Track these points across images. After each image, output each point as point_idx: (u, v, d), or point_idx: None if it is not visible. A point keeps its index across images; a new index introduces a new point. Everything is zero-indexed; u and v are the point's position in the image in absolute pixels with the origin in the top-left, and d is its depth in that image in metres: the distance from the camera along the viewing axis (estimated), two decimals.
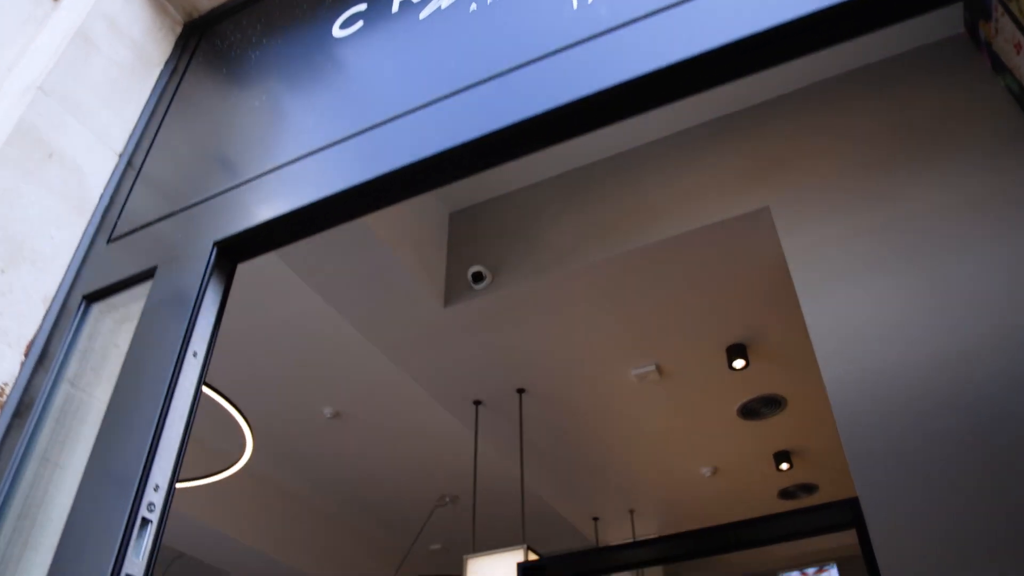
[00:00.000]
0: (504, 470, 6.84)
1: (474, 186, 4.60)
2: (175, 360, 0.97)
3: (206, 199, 1.17)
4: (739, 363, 4.77)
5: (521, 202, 4.56)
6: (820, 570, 2.84)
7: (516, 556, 4.27)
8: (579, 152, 4.40)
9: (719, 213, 3.87)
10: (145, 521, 0.86)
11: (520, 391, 5.12)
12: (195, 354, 1.00)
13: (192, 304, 1.02)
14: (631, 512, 6.97)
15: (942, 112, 3.63)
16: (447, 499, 7.61)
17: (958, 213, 3.29)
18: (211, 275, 1.06)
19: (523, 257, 4.29)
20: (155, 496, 0.88)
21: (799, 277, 3.47)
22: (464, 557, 4.46)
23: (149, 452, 0.88)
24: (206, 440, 6.65)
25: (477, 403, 5.23)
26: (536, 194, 4.54)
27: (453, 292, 4.40)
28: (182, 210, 1.19)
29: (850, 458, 2.90)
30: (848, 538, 7.36)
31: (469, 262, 4.42)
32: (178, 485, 5.36)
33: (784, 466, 6.21)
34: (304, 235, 1.10)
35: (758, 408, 5.50)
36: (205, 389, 4.37)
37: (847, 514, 3.04)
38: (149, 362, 0.98)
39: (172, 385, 0.95)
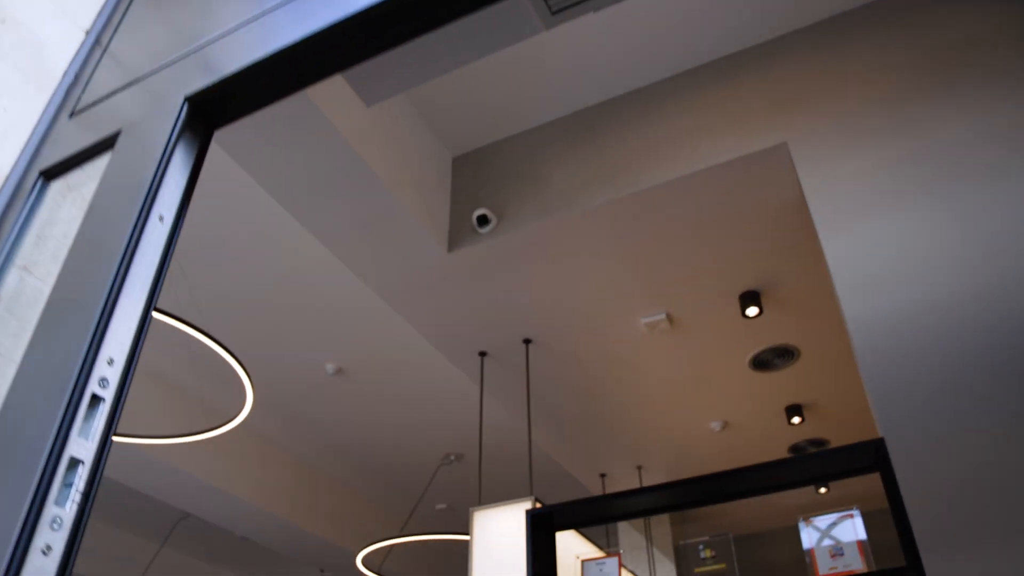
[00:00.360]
0: (510, 426, 6.74)
1: (478, 129, 4.44)
2: (135, 221, 0.83)
3: (178, 58, 1.03)
4: (752, 311, 4.64)
5: (527, 145, 4.40)
6: (845, 515, 2.73)
7: (523, 508, 4.17)
8: (587, 92, 4.23)
9: (734, 151, 3.72)
10: (96, 398, 0.72)
11: (527, 341, 5.00)
12: (161, 218, 0.86)
13: (158, 163, 0.88)
14: (639, 468, 6.89)
15: (967, 40, 3.45)
16: (452, 457, 7.54)
17: (986, 144, 3.14)
18: (181, 133, 0.92)
19: (529, 200, 4.14)
20: (109, 371, 0.74)
21: (819, 214, 3.32)
22: (470, 510, 4.37)
23: (100, 320, 0.75)
24: (206, 397, 6.57)
25: (482, 354, 5.10)
26: (542, 136, 4.38)
27: (457, 237, 4.25)
28: (152, 73, 1.05)
29: (873, 399, 2.77)
30: (858, 491, 7.25)
31: (473, 206, 4.27)
32: (180, 440, 5.26)
33: (795, 420, 6.10)
34: (288, 89, 0.95)
35: (770, 359, 5.37)
36: (202, 338, 4.24)
37: (869, 456, 2.91)
38: (106, 224, 0.84)
39: (132, 248, 0.81)
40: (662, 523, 7.82)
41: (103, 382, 0.74)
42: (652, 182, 3.82)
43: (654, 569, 7.35)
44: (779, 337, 5.14)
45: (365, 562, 7.30)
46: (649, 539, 7.51)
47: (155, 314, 3.97)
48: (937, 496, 2.52)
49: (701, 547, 2.92)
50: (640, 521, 7.71)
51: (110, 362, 0.75)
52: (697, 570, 2.96)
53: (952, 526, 2.47)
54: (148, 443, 5.74)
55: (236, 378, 6.23)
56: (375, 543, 6.53)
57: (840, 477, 3.08)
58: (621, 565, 3.31)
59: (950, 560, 2.42)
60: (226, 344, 4.51)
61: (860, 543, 2.81)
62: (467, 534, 5.89)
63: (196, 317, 5.49)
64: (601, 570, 3.22)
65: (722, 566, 2.96)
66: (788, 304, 4.78)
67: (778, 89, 3.81)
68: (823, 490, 7.48)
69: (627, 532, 7.54)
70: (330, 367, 6.13)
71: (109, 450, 0.73)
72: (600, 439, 6.34)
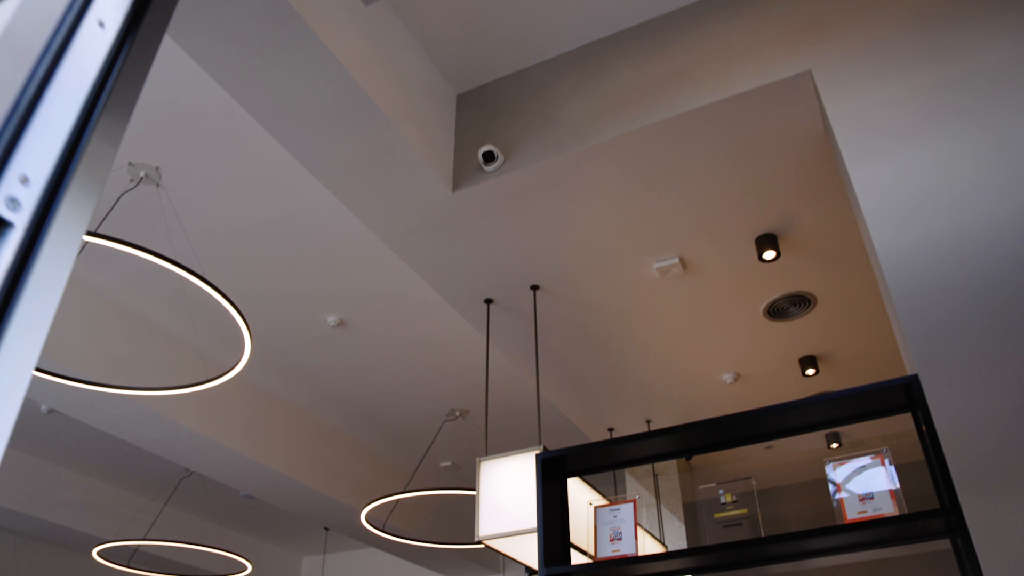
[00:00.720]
0: (516, 380, 6.60)
1: (483, 65, 4.22)
2: (60, 20, 0.65)
3: None
4: (770, 254, 4.45)
5: (535, 80, 4.18)
6: (875, 458, 2.57)
7: (531, 458, 4.04)
8: (599, 24, 4.00)
9: (754, 80, 3.50)
10: (4, 223, 0.55)
11: (534, 288, 4.82)
12: (101, 24, 0.68)
13: None
14: (648, 422, 6.76)
15: None
16: (457, 413, 7.42)
17: (1023, 67, 2.95)
18: None
19: (537, 136, 3.94)
20: (22, 191, 0.57)
21: (846, 144, 3.12)
22: (477, 460, 4.23)
23: (6, 125, 0.57)
24: (205, 354, 6.42)
25: (488, 302, 4.93)
26: (551, 70, 4.16)
27: (462, 176, 4.05)
28: None
29: (906, 333, 2.60)
30: (875, 441, 7.13)
31: (478, 144, 4.07)
32: (177, 392, 5.08)
33: (810, 372, 5.94)
34: None
35: (786, 307, 5.19)
36: (200, 283, 4.07)
37: (900, 395, 2.75)
38: (27, 26, 0.66)
39: (56, 54, 0.64)
40: (670, 478, 7.71)
41: (12, 203, 0.56)
42: (666, 114, 3.62)
43: (662, 524, 7.26)
44: (795, 284, 4.96)
45: (369, 518, 7.22)
46: (657, 496, 7.41)
47: (155, 259, 3.78)
48: (976, 435, 2.36)
49: (721, 491, 2.77)
50: (648, 477, 7.60)
51: (24, 180, 0.58)
52: (717, 515, 2.81)
53: (993, 467, 2.31)
54: (144, 395, 5.60)
55: (235, 333, 6.08)
56: (379, 499, 6.42)
57: (868, 418, 2.92)
58: (636, 515, 3.16)
59: (991, 502, 2.27)
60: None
61: (892, 491, 2.65)
62: (473, 489, 5.77)
63: (194, 267, 5.33)
64: (616, 516, 3.07)
65: (743, 511, 2.81)
66: (806, 248, 4.59)
67: (802, 15, 3.59)
68: (835, 444, 7.35)
69: (634, 488, 7.44)
70: (331, 319, 5.97)
71: (21, 291, 0.55)
72: (608, 391, 6.19)
